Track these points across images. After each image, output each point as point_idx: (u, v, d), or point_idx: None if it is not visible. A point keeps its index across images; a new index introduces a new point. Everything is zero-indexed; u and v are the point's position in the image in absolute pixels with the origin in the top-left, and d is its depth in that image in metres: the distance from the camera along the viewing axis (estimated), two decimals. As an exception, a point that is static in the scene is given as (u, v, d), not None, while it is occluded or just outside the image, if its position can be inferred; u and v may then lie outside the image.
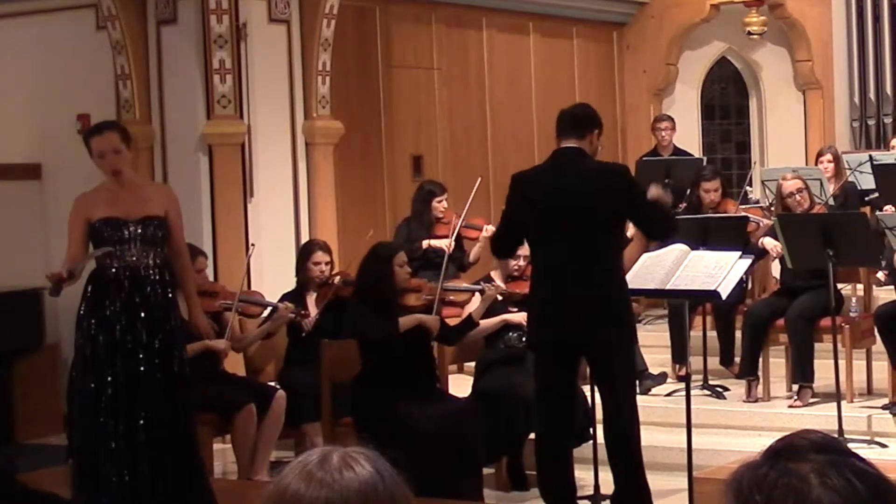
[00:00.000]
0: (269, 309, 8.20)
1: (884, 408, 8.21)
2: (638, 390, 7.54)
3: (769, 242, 8.71)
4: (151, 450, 6.07)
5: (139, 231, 6.17)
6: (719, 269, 6.65)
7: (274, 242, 9.36)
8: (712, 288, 6.61)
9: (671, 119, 11.83)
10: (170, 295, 6.25)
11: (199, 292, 7.58)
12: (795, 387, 8.56)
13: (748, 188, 11.14)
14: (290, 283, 8.66)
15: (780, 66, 13.32)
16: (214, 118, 9.44)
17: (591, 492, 7.17)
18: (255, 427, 7.68)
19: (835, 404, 7.74)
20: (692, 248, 6.87)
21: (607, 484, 6.79)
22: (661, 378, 9.09)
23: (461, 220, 9.20)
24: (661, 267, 6.75)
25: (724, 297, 6.75)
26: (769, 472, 1.64)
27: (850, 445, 1.75)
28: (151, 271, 6.18)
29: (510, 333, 7.98)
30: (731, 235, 8.32)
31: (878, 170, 9.92)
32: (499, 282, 8.15)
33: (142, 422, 6.06)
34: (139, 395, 6.07)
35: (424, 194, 9.79)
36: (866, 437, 7.87)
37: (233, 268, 9.09)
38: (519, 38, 12.21)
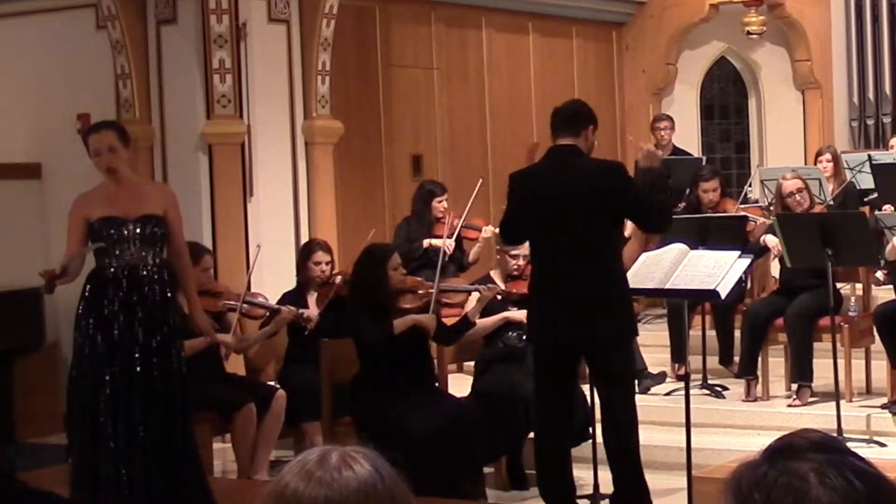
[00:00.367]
0: (270, 311, 8.20)
1: (883, 407, 8.21)
2: (637, 390, 7.54)
3: (771, 240, 8.71)
4: (150, 449, 6.07)
5: (137, 230, 6.16)
6: (718, 269, 6.66)
7: (274, 242, 9.36)
8: (711, 287, 6.62)
9: (670, 119, 11.84)
10: (168, 294, 6.25)
11: (202, 292, 7.60)
12: (794, 386, 8.57)
13: (747, 188, 11.15)
14: (289, 283, 8.66)
15: (780, 65, 13.33)
16: (214, 118, 9.44)
17: (590, 491, 7.18)
18: (254, 426, 7.69)
19: (834, 403, 7.75)
20: (691, 248, 6.88)
21: (606, 483, 6.79)
22: (661, 377, 9.09)
23: (461, 220, 9.21)
24: (661, 266, 6.76)
25: (723, 296, 6.76)
26: (768, 471, 1.64)
27: (849, 445, 1.75)
28: (150, 270, 6.17)
29: (509, 332, 7.97)
30: (731, 235, 8.32)
31: (877, 169, 9.92)
32: (498, 281, 8.15)
33: (140, 421, 6.06)
34: (137, 395, 6.06)
35: (424, 194, 9.80)
36: (865, 436, 7.88)
37: (233, 267, 9.09)
38: (518, 38, 12.22)
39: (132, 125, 8.96)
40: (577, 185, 6.34)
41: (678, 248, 6.82)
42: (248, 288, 8.26)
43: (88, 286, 6.17)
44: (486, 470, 7.64)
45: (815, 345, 8.47)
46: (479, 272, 8.93)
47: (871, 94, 12.88)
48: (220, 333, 7.70)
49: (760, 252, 8.97)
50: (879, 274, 9.30)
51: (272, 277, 8.96)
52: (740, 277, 7.11)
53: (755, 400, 8.65)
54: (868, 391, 8.69)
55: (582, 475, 7.02)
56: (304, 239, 9.47)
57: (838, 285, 8.64)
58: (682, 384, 7.26)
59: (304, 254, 8.59)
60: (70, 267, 6.07)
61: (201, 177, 9.46)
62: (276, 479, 1.82)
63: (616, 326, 6.43)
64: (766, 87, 13.43)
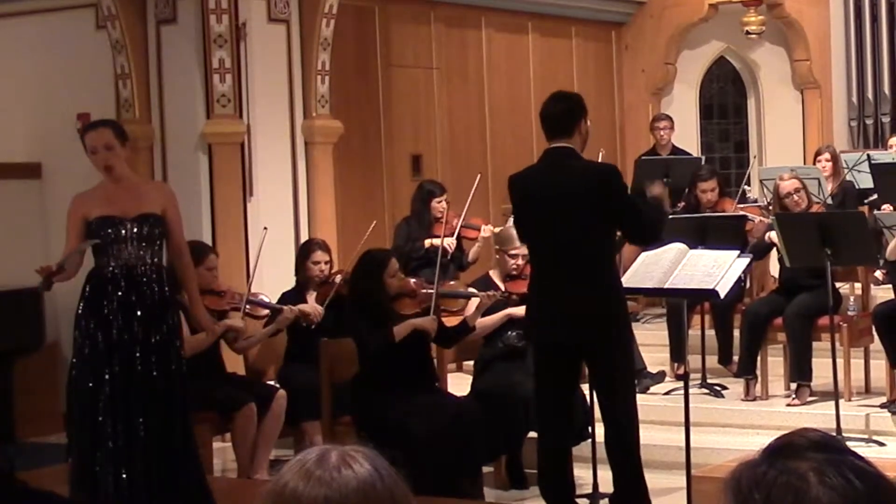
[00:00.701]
0: (273, 312, 8.20)
1: (882, 406, 8.22)
2: (636, 389, 7.54)
3: (776, 236, 8.71)
4: (149, 449, 6.07)
5: (135, 230, 6.15)
6: (717, 268, 6.66)
7: (273, 241, 9.35)
8: (710, 287, 6.62)
9: (670, 118, 11.85)
10: (167, 293, 6.25)
11: (206, 291, 7.61)
12: (794, 385, 8.57)
13: (746, 187, 11.15)
14: (289, 282, 8.67)
15: (779, 65, 13.34)
16: (214, 117, 9.45)
17: (589, 490, 7.19)
18: (254, 426, 7.69)
19: (833, 403, 7.76)
20: (690, 247, 6.88)
21: (606, 482, 6.80)
22: (660, 377, 9.10)
23: (460, 219, 9.22)
24: (660, 266, 6.76)
25: (722, 295, 6.76)
26: (768, 470, 1.64)
27: (848, 444, 1.76)
28: (148, 269, 6.16)
29: (509, 332, 7.97)
30: (730, 234, 8.33)
31: (876, 169, 9.93)
32: (497, 281, 8.16)
33: (139, 421, 6.06)
34: (136, 394, 6.06)
35: (424, 194, 9.81)
36: (864, 435, 7.88)
37: (233, 266, 9.09)
38: (518, 38, 12.22)
39: (132, 125, 8.98)
40: (571, 188, 6.33)
41: (677, 247, 6.82)
42: (251, 281, 8.26)
43: (88, 286, 6.17)
44: (486, 469, 7.64)
45: (815, 344, 8.48)
46: (479, 272, 8.94)
47: (869, 94, 12.89)
48: (228, 320, 7.75)
49: (765, 250, 8.97)
50: (878, 273, 9.30)
51: (271, 276, 8.97)
52: (739, 277, 7.11)
53: (754, 399, 8.65)
54: (867, 390, 8.70)
55: (581, 474, 7.02)
56: (304, 238, 9.48)
57: (837, 285, 8.65)
58: (681, 383, 7.26)
59: (303, 253, 8.59)
60: (67, 264, 6.07)
61: (201, 176, 9.47)
62: (275, 478, 1.83)
63: (615, 326, 6.43)
64: (765, 86, 13.44)
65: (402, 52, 11.08)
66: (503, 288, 8.09)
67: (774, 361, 8.81)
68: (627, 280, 6.80)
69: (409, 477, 1.88)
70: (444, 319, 7.64)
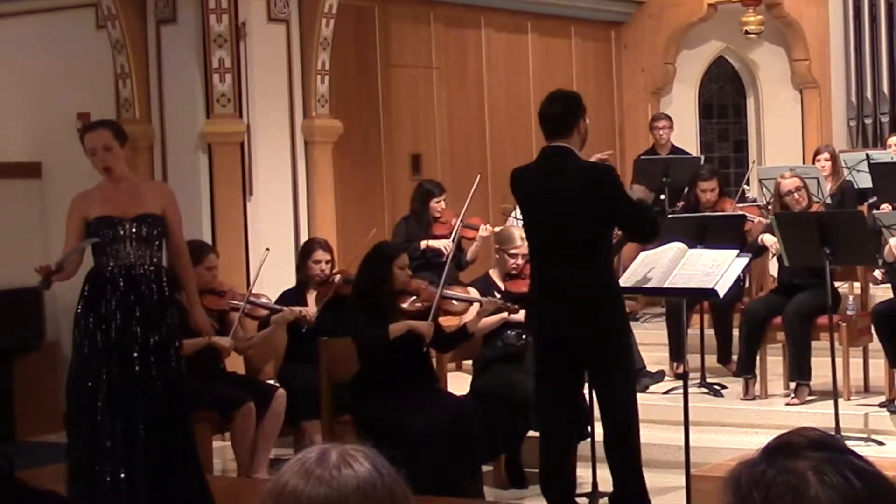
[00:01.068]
0: (273, 312, 8.20)
1: (881, 405, 8.22)
2: (636, 388, 7.55)
3: (769, 239, 8.74)
4: (148, 448, 6.06)
5: (134, 230, 6.15)
6: (717, 268, 6.67)
7: (273, 241, 9.36)
8: (710, 286, 6.63)
9: (669, 118, 11.86)
10: (166, 293, 6.25)
11: (206, 290, 7.61)
12: (793, 384, 8.58)
13: (745, 186, 11.16)
14: (289, 282, 8.67)
15: (778, 65, 13.35)
16: (214, 117, 9.45)
17: (589, 489, 7.19)
18: (254, 425, 7.69)
19: (832, 402, 7.76)
20: (690, 247, 6.89)
21: (605, 482, 6.81)
22: (659, 376, 9.11)
23: (459, 219, 9.22)
24: (659, 265, 6.77)
25: (721, 295, 6.76)
26: (767, 469, 1.65)
27: (847, 443, 1.76)
28: (147, 269, 6.16)
29: (508, 332, 7.98)
30: (729, 234, 8.32)
31: (875, 169, 9.94)
32: (497, 280, 8.16)
33: (138, 420, 6.06)
34: (135, 394, 6.06)
35: (422, 194, 9.81)
36: (863, 434, 7.89)
37: (232, 266, 9.10)
38: (517, 38, 12.23)
39: (132, 125, 8.99)
40: (564, 188, 6.33)
41: (677, 246, 6.83)
42: (251, 286, 8.27)
43: (87, 285, 6.17)
44: (485, 468, 7.65)
45: (814, 343, 8.48)
46: (478, 271, 8.94)
47: (869, 94, 12.89)
48: (218, 337, 7.68)
49: (758, 252, 8.98)
50: (877, 273, 9.32)
51: (271, 276, 8.96)
52: (738, 276, 7.11)
53: (753, 398, 8.66)
54: (866, 390, 8.70)
55: (581, 474, 7.02)
56: (304, 238, 9.48)
57: (836, 284, 8.66)
58: (680, 383, 7.27)
59: (305, 253, 8.60)
60: (66, 263, 6.07)
61: (201, 176, 9.47)
62: (275, 477, 1.83)
63: (614, 325, 6.44)
64: (764, 86, 13.45)
65: (402, 52, 11.09)
66: (503, 287, 8.10)
67: (773, 361, 8.82)
68: (626, 279, 6.81)
69: (409, 476, 1.88)
70: (443, 320, 7.64)
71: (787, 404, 8.45)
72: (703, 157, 11.64)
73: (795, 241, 8.05)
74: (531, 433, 7.47)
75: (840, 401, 7.88)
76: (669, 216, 9.13)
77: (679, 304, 8.26)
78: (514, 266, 8.13)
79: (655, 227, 6.71)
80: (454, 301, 7.75)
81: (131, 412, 6.05)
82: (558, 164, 6.41)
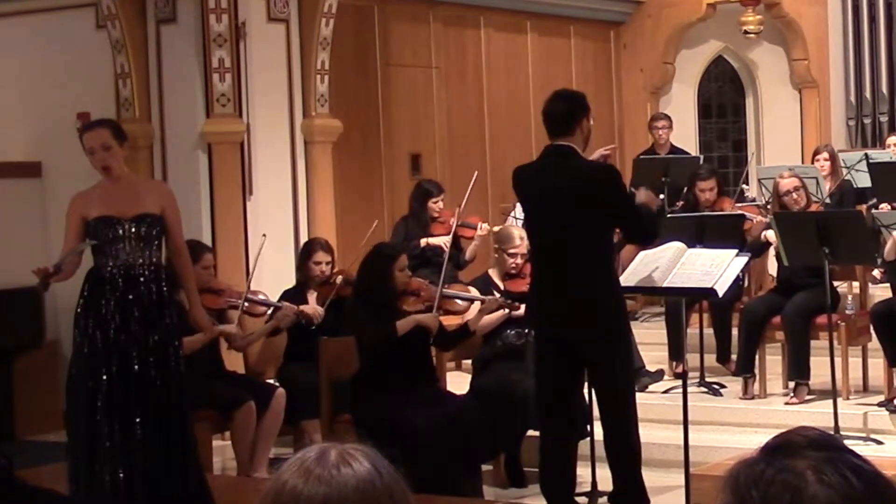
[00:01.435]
0: (272, 309, 8.21)
1: (879, 405, 8.23)
2: (635, 387, 7.55)
3: (773, 236, 8.73)
4: (147, 448, 6.07)
5: (133, 229, 6.15)
6: (716, 267, 6.68)
7: (273, 240, 9.37)
8: (709, 285, 6.64)
9: (668, 117, 11.86)
10: (165, 293, 6.25)
11: (204, 289, 7.61)
12: (792, 384, 8.58)
13: (744, 186, 11.17)
14: (289, 281, 8.68)
15: (777, 64, 13.35)
16: (214, 117, 9.45)
17: (588, 488, 7.20)
18: (254, 424, 7.70)
19: (831, 401, 7.76)
20: (689, 246, 6.89)
21: (605, 481, 6.82)
22: (658, 375, 9.12)
23: (457, 219, 9.21)
24: (658, 265, 6.77)
25: (720, 294, 6.77)
26: (766, 468, 1.65)
27: (845, 442, 1.77)
28: (146, 269, 6.16)
29: (508, 331, 7.98)
30: (728, 233, 8.33)
31: (874, 168, 9.94)
32: (497, 280, 8.17)
33: (137, 420, 6.06)
34: (134, 394, 6.06)
35: (421, 194, 9.82)
36: (862, 434, 7.89)
37: (232, 266, 9.11)
38: (516, 37, 12.24)
39: (132, 124, 9.00)
40: (565, 187, 6.33)
41: (676, 246, 6.83)
42: (250, 282, 8.27)
43: (87, 285, 6.17)
44: (485, 467, 7.65)
45: (813, 343, 8.49)
46: (477, 270, 8.95)
47: (868, 93, 12.90)
48: (222, 325, 7.73)
49: (761, 248, 8.98)
50: (876, 272, 9.33)
51: (271, 275, 8.98)
52: (738, 275, 7.12)
53: (752, 398, 8.66)
54: (865, 389, 8.71)
55: (580, 473, 7.03)
56: (304, 237, 9.49)
57: (835, 283, 8.67)
58: (679, 382, 7.27)
59: (305, 253, 8.60)
60: (65, 264, 6.07)
61: (201, 176, 9.48)
62: (275, 476, 1.83)
63: (614, 325, 6.45)
64: (763, 86, 13.45)
65: (402, 52, 11.09)
66: (502, 286, 8.10)
67: (773, 360, 8.83)
68: (626, 279, 6.81)
69: (408, 475, 1.88)
70: (445, 319, 7.65)
71: (786, 403, 8.46)
72: (702, 157, 11.65)
73: (794, 241, 8.05)
74: (531, 432, 7.48)
75: (839, 400, 7.89)
76: (669, 215, 9.14)
77: (678, 303, 8.27)
78: (514, 265, 8.13)
79: (655, 230, 6.72)
80: (456, 300, 7.76)
81: (130, 412, 6.05)
82: (560, 164, 6.41)
